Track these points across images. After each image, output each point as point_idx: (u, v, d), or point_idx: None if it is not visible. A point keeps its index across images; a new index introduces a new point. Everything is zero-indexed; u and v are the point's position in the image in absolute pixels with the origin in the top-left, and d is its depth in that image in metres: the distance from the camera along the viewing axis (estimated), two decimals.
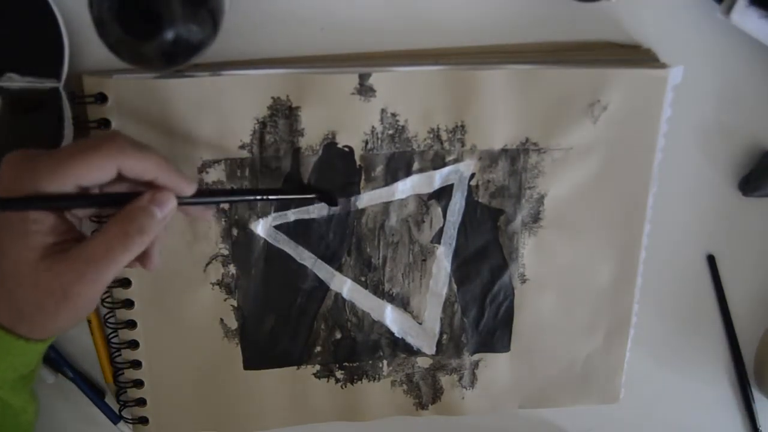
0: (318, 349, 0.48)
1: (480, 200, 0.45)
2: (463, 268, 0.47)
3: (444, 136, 0.43)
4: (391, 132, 0.43)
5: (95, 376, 0.49)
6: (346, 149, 0.43)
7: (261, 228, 0.44)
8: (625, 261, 0.48)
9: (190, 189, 0.35)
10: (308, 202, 0.44)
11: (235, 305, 0.46)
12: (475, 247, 0.46)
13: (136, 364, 0.46)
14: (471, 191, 0.45)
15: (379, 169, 0.43)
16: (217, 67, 0.41)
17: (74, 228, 0.34)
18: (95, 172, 0.31)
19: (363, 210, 0.44)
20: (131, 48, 0.37)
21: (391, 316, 0.47)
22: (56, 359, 0.48)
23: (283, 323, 0.46)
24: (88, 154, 0.31)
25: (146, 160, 0.33)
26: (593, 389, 0.51)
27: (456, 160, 0.44)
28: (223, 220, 0.43)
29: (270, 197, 0.42)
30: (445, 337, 0.48)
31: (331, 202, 0.43)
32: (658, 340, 0.52)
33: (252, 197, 0.42)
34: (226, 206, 0.43)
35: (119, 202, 0.33)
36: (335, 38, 0.42)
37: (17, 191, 0.31)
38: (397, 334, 0.48)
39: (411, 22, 0.43)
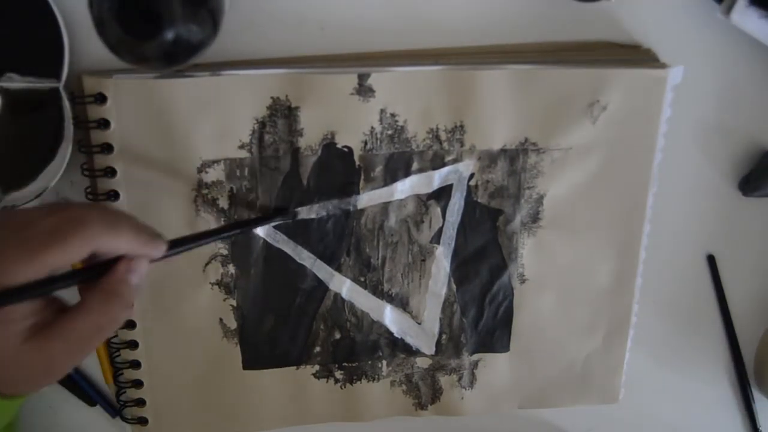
0: (317, 349, 0.48)
1: (479, 200, 0.45)
2: (462, 268, 0.47)
3: (443, 136, 0.43)
4: (390, 132, 0.43)
5: (95, 376, 0.49)
6: (346, 149, 0.43)
7: (260, 228, 0.44)
8: (624, 261, 0.48)
9: (159, 251, 0.34)
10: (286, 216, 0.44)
11: (235, 305, 0.46)
12: (474, 247, 0.46)
13: (136, 365, 0.46)
14: (470, 191, 0.45)
15: (379, 170, 0.43)
16: (217, 67, 0.41)
17: (51, 298, 0.33)
18: (69, 258, 0.30)
19: (362, 210, 0.44)
20: (131, 48, 0.37)
21: (390, 317, 0.47)
22: None
23: (282, 323, 0.47)
24: (62, 243, 0.30)
25: (119, 238, 0.32)
26: (593, 389, 0.51)
27: (455, 161, 0.44)
28: (222, 219, 0.43)
29: (231, 233, 0.42)
30: (444, 337, 0.48)
31: (288, 216, 0.43)
32: (658, 340, 0.52)
33: (214, 238, 0.41)
34: (225, 206, 0.43)
35: (94, 274, 0.32)
36: (335, 38, 0.42)
37: None
38: (396, 335, 0.48)
39: (411, 22, 0.43)
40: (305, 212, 0.44)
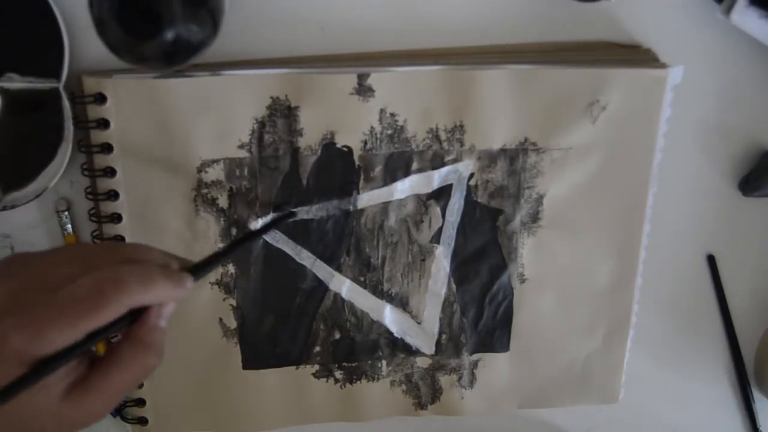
0: (317, 349, 0.48)
1: (479, 200, 0.45)
2: (462, 268, 0.47)
3: (443, 136, 0.43)
4: (390, 132, 0.43)
5: None
6: (345, 149, 0.43)
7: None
8: (624, 261, 0.48)
9: (187, 291, 0.33)
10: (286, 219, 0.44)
11: (234, 305, 0.46)
12: (474, 247, 0.46)
13: None
14: (470, 191, 0.45)
15: (378, 169, 0.43)
16: (217, 67, 0.41)
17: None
18: (106, 321, 0.29)
19: (362, 210, 0.44)
20: (131, 48, 0.37)
21: (390, 316, 0.47)
22: None
23: (282, 323, 0.47)
24: (101, 309, 0.29)
25: (154, 292, 0.31)
26: (593, 389, 0.51)
27: (455, 160, 0.44)
28: (222, 219, 0.43)
29: (241, 245, 0.42)
30: (444, 337, 0.48)
31: (290, 216, 0.44)
32: (658, 340, 0.52)
33: (232, 253, 0.42)
34: (225, 205, 0.43)
35: (125, 324, 0.31)
36: (335, 38, 0.42)
37: (24, 360, 0.28)
38: (396, 334, 0.48)
39: (411, 22, 0.43)
40: (304, 212, 0.44)
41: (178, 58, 0.38)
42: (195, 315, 0.45)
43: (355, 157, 0.43)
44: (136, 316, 0.31)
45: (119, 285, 0.29)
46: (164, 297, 0.31)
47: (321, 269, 0.46)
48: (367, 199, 0.44)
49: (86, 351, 0.30)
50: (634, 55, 0.44)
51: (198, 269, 0.34)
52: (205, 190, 0.43)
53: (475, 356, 0.49)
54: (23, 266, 0.31)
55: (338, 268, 0.46)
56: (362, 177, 0.44)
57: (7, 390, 0.27)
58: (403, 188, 0.44)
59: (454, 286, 0.47)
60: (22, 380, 0.28)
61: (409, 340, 0.48)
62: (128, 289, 0.29)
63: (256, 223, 0.44)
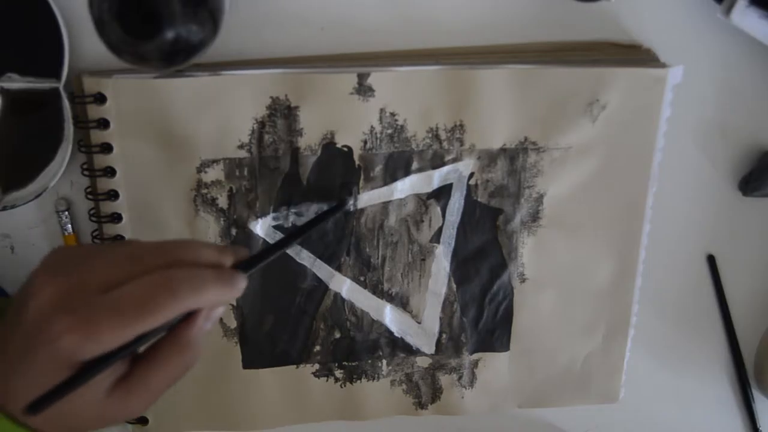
0: (317, 348, 0.48)
1: (479, 199, 0.45)
2: (462, 267, 0.47)
3: (443, 135, 0.43)
4: (389, 131, 0.43)
5: None
6: (345, 149, 0.43)
7: (260, 227, 0.44)
8: (624, 261, 0.48)
9: (240, 290, 0.32)
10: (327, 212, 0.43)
11: (234, 304, 0.46)
12: (474, 246, 0.46)
13: None
14: (470, 190, 0.45)
15: (378, 169, 0.43)
16: (217, 67, 0.41)
17: None
18: (158, 325, 0.29)
19: (362, 210, 0.44)
20: (131, 48, 0.37)
21: (390, 316, 0.47)
22: None
23: (282, 322, 0.47)
24: (154, 313, 0.29)
25: (206, 296, 0.30)
26: (593, 389, 0.51)
27: (455, 160, 0.44)
28: (222, 219, 0.43)
29: (304, 233, 0.42)
30: (444, 336, 0.48)
31: (342, 204, 0.43)
32: (658, 340, 0.52)
33: (291, 243, 0.40)
34: (225, 205, 0.43)
35: (173, 324, 0.31)
36: (335, 38, 0.42)
37: (73, 361, 0.28)
38: (396, 334, 0.48)
39: (411, 22, 0.43)
40: (304, 213, 0.44)
41: (178, 58, 0.38)
42: None
43: (355, 156, 0.43)
44: (185, 316, 0.31)
45: (171, 291, 0.29)
46: (216, 301, 0.31)
47: (321, 269, 0.46)
48: (367, 198, 0.44)
49: (134, 351, 0.30)
50: (634, 55, 0.44)
51: (251, 264, 0.33)
52: (204, 190, 0.43)
53: (475, 356, 0.49)
54: (71, 263, 0.30)
55: (338, 268, 0.46)
56: (362, 177, 0.44)
57: (55, 392, 0.27)
58: (403, 188, 0.44)
59: (454, 286, 0.47)
60: (70, 382, 0.28)
61: (409, 339, 0.48)
62: (180, 295, 0.29)
63: (256, 224, 0.44)
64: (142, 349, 0.31)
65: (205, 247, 0.32)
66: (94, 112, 0.40)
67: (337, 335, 0.47)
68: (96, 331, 0.28)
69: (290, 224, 0.44)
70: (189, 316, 0.31)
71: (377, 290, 0.47)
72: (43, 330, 0.28)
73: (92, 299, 0.29)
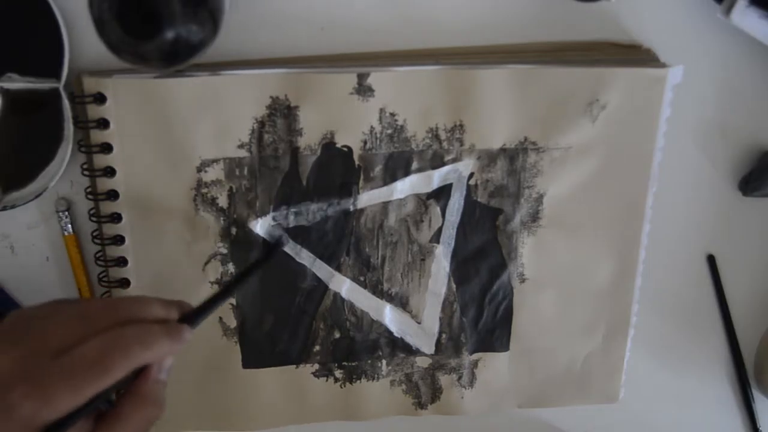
0: (317, 348, 0.48)
1: (479, 200, 0.45)
2: (462, 267, 0.47)
3: (443, 135, 0.43)
4: (389, 132, 0.43)
5: None
6: (345, 149, 0.43)
7: (260, 227, 0.44)
8: (624, 261, 0.48)
9: (186, 341, 0.34)
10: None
11: (234, 304, 0.46)
12: (474, 246, 0.46)
13: None
14: (470, 191, 0.45)
15: (378, 169, 0.43)
16: (216, 67, 0.41)
17: None
18: (111, 383, 0.30)
19: (362, 210, 0.44)
20: (131, 48, 0.37)
21: (390, 316, 0.47)
22: None
23: (282, 322, 0.47)
24: (107, 373, 0.30)
25: (157, 351, 0.32)
26: (593, 389, 0.51)
27: (455, 160, 0.44)
28: (222, 218, 0.43)
29: (241, 283, 0.43)
30: (444, 336, 0.48)
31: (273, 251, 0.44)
32: (658, 340, 0.52)
33: (231, 293, 0.42)
34: (225, 205, 0.43)
35: (128, 380, 0.32)
36: (335, 38, 0.42)
37: (33, 426, 0.28)
38: (396, 334, 0.48)
39: (411, 22, 0.43)
40: (304, 213, 0.44)
41: (178, 58, 0.38)
42: None
43: (355, 156, 0.43)
44: (138, 372, 0.32)
45: (123, 350, 0.30)
46: (166, 354, 0.32)
47: (321, 269, 0.46)
48: (367, 198, 0.44)
49: (92, 411, 0.30)
50: (634, 55, 0.44)
51: (198, 315, 0.34)
52: (204, 190, 0.43)
53: (475, 356, 0.49)
54: (25, 328, 0.31)
55: (338, 268, 0.46)
56: (362, 177, 0.44)
57: None
58: (403, 188, 0.44)
59: (453, 286, 0.47)
60: None
61: (408, 339, 0.48)
62: (132, 353, 0.30)
63: (256, 223, 0.44)
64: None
65: (153, 303, 0.33)
66: (94, 112, 0.40)
67: (337, 335, 0.47)
68: (52, 396, 0.29)
69: (290, 224, 0.44)
70: (143, 371, 0.32)
71: (377, 290, 0.47)
72: (1, 398, 0.29)
73: (46, 364, 0.29)
